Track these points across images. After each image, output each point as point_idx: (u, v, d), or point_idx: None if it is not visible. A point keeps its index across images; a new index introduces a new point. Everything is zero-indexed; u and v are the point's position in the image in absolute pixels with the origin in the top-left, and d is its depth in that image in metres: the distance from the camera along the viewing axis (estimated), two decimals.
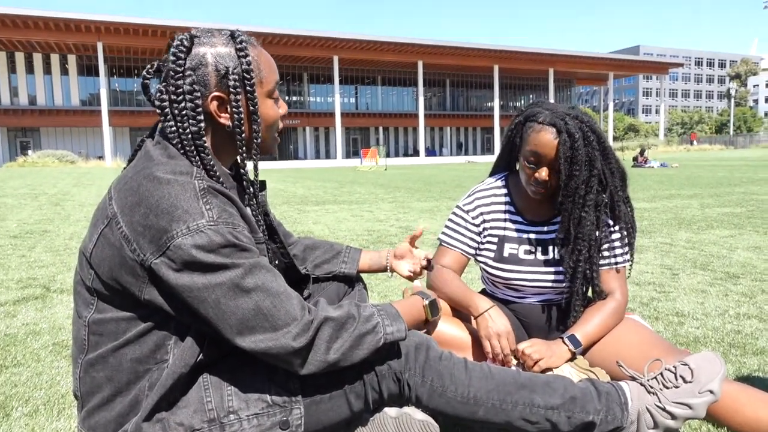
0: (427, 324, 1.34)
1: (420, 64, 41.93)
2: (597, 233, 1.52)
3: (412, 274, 1.52)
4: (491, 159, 39.99)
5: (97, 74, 36.38)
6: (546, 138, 1.47)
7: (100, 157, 34.29)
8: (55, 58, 37.93)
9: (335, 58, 39.08)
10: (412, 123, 47.24)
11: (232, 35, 1.10)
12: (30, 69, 37.41)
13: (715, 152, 43.85)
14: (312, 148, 46.40)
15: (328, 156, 46.25)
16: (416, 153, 46.58)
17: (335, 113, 40.25)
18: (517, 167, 1.64)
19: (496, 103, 45.90)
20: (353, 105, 46.93)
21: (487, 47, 41.84)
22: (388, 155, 35.28)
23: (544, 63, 45.34)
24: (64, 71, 38.32)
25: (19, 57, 37.08)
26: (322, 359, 1.04)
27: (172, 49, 1.06)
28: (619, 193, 1.51)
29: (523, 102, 54.50)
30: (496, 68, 44.52)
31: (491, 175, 1.75)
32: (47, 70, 37.84)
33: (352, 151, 46.53)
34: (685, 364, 1.24)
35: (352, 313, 1.08)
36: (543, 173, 1.49)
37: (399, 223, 5.81)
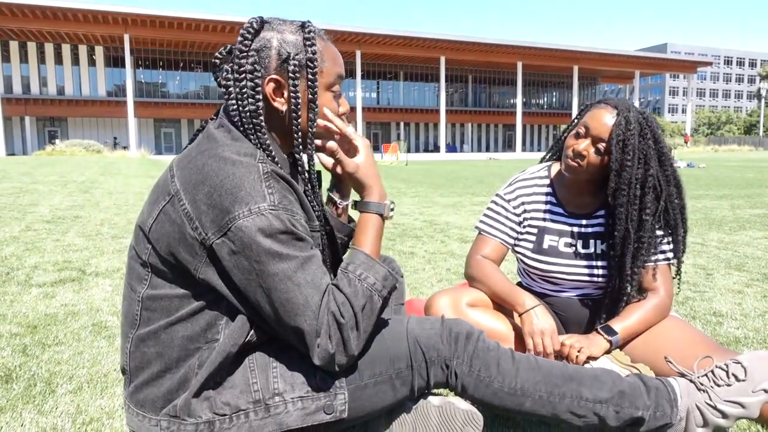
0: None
1: (442, 59, 41.68)
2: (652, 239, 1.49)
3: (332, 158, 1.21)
4: (513, 156, 39.66)
5: (123, 66, 36.98)
6: (603, 115, 1.45)
7: (125, 147, 34.87)
8: (83, 50, 38.64)
9: (358, 53, 39.06)
10: (433, 119, 47.04)
11: (303, 25, 1.12)
12: (59, 60, 38.17)
13: (743, 153, 42.81)
14: None
15: None
16: (437, 149, 46.39)
17: (357, 108, 40.27)
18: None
19: (519, 101, 45.41)
20: (375, 100, 46.90)
21: (511, 43, 41.37)
22: (408, 150, 35.20)
23: (568, 60, 44.67)
24: (92, 62, 39.01)
25: (49, 48, 37.85)
26: (347, 354, 1.05)
27: (241, 30, 1.08)
28: (674, 202, 1.48)
29: (546, 99, 53.88)
30: (519, 65, 44.02)
31: (541, 161, 1.73)
32: (75, 61, 38.57)
33: (373, 146, 46.47)
34: (738, 362, 1.21)
35: (345, 301, 1.04)
36: (583, 144, 1.46)
37: (423, 216, 5.79)
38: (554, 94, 53.96)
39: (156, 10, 32.21)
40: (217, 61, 1.12)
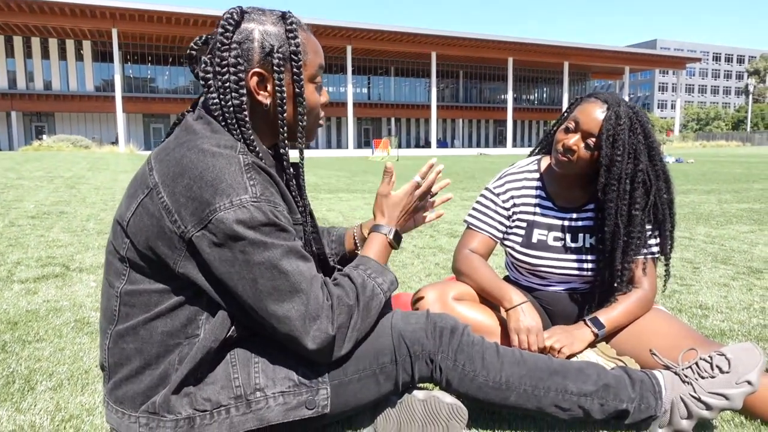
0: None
1: (433, 55, 41.63)
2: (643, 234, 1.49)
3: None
4: (503, 152, 39.77)
5: (111, 60, 36.53)
6: (593, 109, 1.44)
7: (114, 143, 34.52)
8: (70, 44, 38.14)
9: (348, 48, 38.91)
10: (424, 114, 47.02)
11: (283, 16, 1.10)
12: (46, 54, 37.66)
13: (731, 148, 43.27)
14: (324, 138, 46.41)
15: (339, 146, 46.24)
16: (428, 144, 46.42)
17: (347, 103, 40.14)
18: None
19: (510, 96, 45.51)
20: (365, 95, 46.77)
21: (502, 39, 41.41)
22: (399, 146, 35.19)
23: (559, 56, 44.81)
24: (79, 57, 38.52)
25: (35, 42, 37.33)
26: (341, 345, 1.06)
27: (221, 22, 1.05)
28: (663, 197, 1.47)
29: (536, 95, 54.04)
30: (510, 60, 44.09)
31: (530, 155, 1.72)
32: (62, 55, 38.07)
33: (363, 142, 46.47)
34: (722, 354, 1.21)
35: (353, 287, 1.08)
36: (573, 139, 1.45)
37: None
38: (545, 89, 54.13)
39: (144, 4, 31.87)
40: (193, 52, 1.10)
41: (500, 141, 51.97)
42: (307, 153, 34.65)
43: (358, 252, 1.41)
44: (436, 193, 1.35)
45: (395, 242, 1.25)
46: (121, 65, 36.86)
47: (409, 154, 32.58)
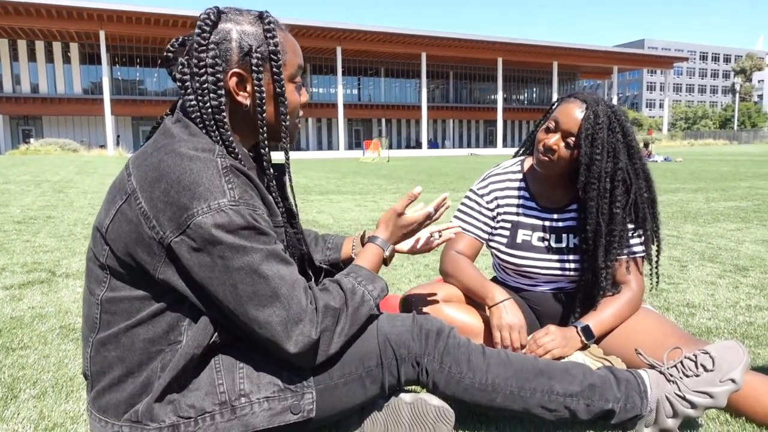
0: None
1: (423, 55, 41.71)
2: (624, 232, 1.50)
3: (412, 250, 1.41)
4: (494, 152, 39.92)
5: (99, 63, 36.24)
6: (572, 109, 1.45)
7: (102, 146, 34.24)
8: (57, 47, 37.79)
9: (338, 49, 38.88)
10: (414, 115, 47.08)
11: (261, 16, 1.09)
12: (32, 57, 37.28)
13: (719, 147, 43.71)
14: (314, 139, 46.32)
15: (330, 147, 46.18)
16: (419, 145, 46.49)
17: (338, 104, 40.11)
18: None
19: (500, 96, 45.69)
20: (356, 96, 46.76)
21: (491, 39, 41.59)
22: (390, 147, 35.20)
23: (548, 56, 45.07)
24: (67, 59, 38.18)
25: (22, 45, 36.95)
26: (325, 350, 1.05)
27: (198, 23, 1.04)
28: (644, 195, 1.48)
29: (526, 95, 54.28)
30: (499, 61, 44.28)
31: (515, 156, 1.73)
32: (49, 58, 37.71)
33: (354, 143, 46.45)
34: (706, 353, 1.22)
35: (341, 293, 1.08)
36: (553, 138, 1.46)
37: None
38: (534, 89, 54.40)
39: (132, 6, 31.66)
40: (170, 54, 1.09)
41: (491, 141, 52.15)
42: (297, 154, 34.56)
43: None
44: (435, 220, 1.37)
45: (389, 259, 1.26)
46: (109, 67, 36.57)
47: (399, 155, 32.60)
